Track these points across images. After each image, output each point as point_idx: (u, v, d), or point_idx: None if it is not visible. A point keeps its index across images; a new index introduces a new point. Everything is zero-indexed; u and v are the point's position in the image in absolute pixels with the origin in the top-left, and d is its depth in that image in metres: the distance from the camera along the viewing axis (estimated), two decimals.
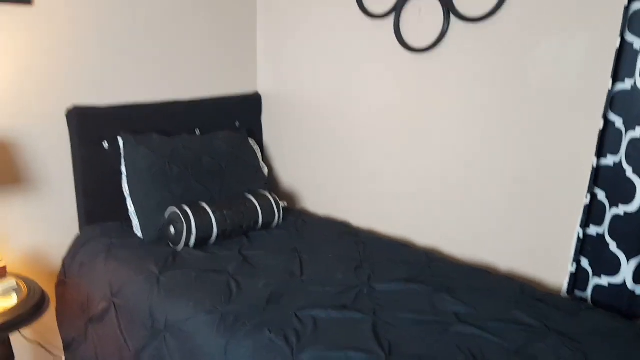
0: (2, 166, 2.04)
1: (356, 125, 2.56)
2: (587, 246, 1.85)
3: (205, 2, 2.62)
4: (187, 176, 2.31)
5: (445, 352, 1.47)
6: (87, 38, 2.23)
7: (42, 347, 2.26)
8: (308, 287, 1.84)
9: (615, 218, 1.75)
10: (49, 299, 1.90)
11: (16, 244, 2.15)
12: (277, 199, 2.45)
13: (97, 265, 2.07)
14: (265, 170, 2.72)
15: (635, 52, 1.66)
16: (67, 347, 2.22)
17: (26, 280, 1.94)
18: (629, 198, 1.70)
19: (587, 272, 1.86)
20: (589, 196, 1.81)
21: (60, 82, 2.18)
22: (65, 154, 2.24)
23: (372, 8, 2.36)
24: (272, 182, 2.90)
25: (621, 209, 1.72)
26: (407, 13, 2.26)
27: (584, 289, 1.87)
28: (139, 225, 2.22)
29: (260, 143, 2.93)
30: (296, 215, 2.63)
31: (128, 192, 2.24)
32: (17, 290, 1.86)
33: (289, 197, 2.91)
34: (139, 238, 2.22)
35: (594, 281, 1.83)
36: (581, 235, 1.84)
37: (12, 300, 1.81)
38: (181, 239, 2.12)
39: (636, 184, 1.68)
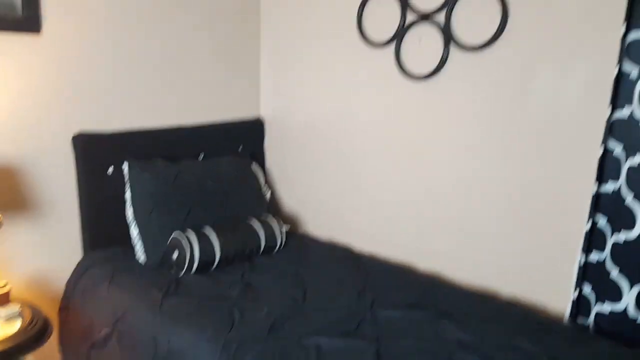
0: (8, 192, 2.06)
1: (358, 150, 2.59)
2: (589, 273, 1.86)
3: (209, 29, 2.67)
4: (190, 201, 2.32)
5: None
6: (93, 65, 2.26)
7: None
8: (311, 314, 1.84)
9: (617, 245, 1.76)
10: (51, 325, 1.91)
11: (20, 268, 2.15)
12: (280, 223, 2.47)
13: (100, 291, 2.07)
14: (268, 194, 2.73)
15: (632, 81, 1.69)
16: None
17: (29, 306, 1.94)
18: (629, 225, 1.71)
19: (589, 299, 1.86)
20: (590, 222, 1.82)
21: (66, 108, 2.21)
22: (70, 179, 2.26)
23: (373, 37, 2.41)
24: (274, 206, 2.92)
25: (622, 236, 1.74)
26: (407, 41, 2.30)
27: (587, 315, 1.87)
28: (142, 251, 2.23)
29: (262, 167, 2.95)
30: (298, 239, 2.64)
31: (132, 218, 2.26)
32: (21, 316, 1.87)
33: (291, 221, 2.92)
34: (142, 263, 2.23)
35: (596, 308, 1.83)
36: (583, 262, 1.85)
37: (16, 327, 1.82)
38: (184, 264, 2.12)
39: (636, 211, 1.69)
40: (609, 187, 1.78)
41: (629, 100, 1.69)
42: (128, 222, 2.27)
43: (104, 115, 2.33)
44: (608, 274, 1.78)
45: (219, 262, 2.21)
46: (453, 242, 2.29)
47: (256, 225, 2.37)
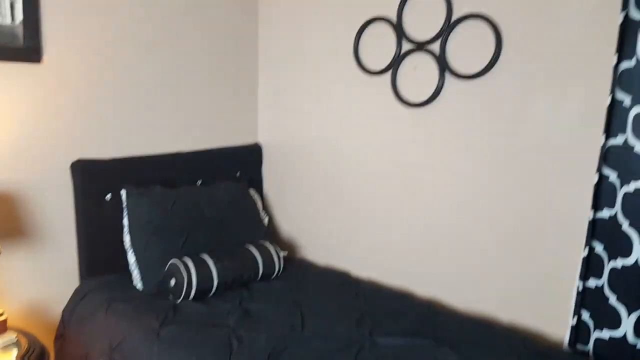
0: (5, 219, 2.06)
1: (355, 175, 2.60)
2: (587, 299, 1.86)
3: (207, 57, 2.70)
4: (188, 228, 2.33)
5: None
6: (92, 94, 2.28)
7: None
8: (309, 342, 1.83)
9: (614, 271, 1.77)
10: (48, 354, 1.89)
11: (16, 296, 2.14)
12: (278, 249, 2.47)
13: (97, 319, 2.06)
14: (266, 220, 2.74)
15: (626, 109, 1.71)
16: None
17: (26, 335, 1.93)
18: (626, 251, 1.72)
19: (588, 325, 1.86)
20: (587, 249, 1.83)
21: (65, 136, 2.22)
22: (68, 206, 2.26)
23: (370, 65, 2.44)
24: (272, 231, 2.92)
25: (619, 262, 1.74)
26: (403, 69, 2.34)
27: (586, 342, 1.87)
28: (139, 278, 2.23)
29: (260, 192, 2.96)
30: (296, 265, 2.64)
31: (129, 244, 2.26)
32: (17, 344, 1.85)
33: (289, 246, 2.92)
34: (139, 290, 2.22)
35: (595, 334, 1.83)
36: (581, 288, 1.86)
37: (12, 356, 1.80)
38: (181, 291, 2.12)
39: (633, 237, 1.70)
40: (605, 213, 1.79)
41: (623, 129, 1.71)
42: (125, 249, 2.27)
43: (102, 142, 2.34)
44: (606, 300, 1.79)
45: (216, 289, 2.20)
46: (451, 268, 2.29)
47: (254, 251, 2.37)
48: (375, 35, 2.41)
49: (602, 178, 1.79)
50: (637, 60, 1.65)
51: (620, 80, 1.72)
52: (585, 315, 1.87)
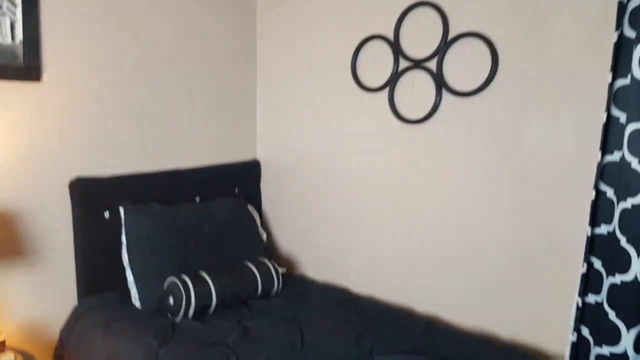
0: (3, 237, 2.05)
1: (354, 191, 2.61)
2: (586, 315, 1.85)
3: (204, 73, 2.72)
4: (186, 245, 2.32)
5: None
6: (91, 112, 2.29)
7: None
8: None
9: (613, 287, 1.76)
10: None
11: (14, 315, 2.13)
12: (276, 266, 2.46)
13: (95, 338, 2.04)
14: (264, 236, 2.74)
15: (622, 126, 1.72)
16: None
17: (24, 354, 1.92)
18: (624, 267, 1.72)
19: (588, 342, 1.85)
20: (585, 265, 1.84)
21: (64, 154, 2.23)
22: (67, 224, 2.26)
23: (367, 82, 2.47)
24: (270, 248, 2.92)
25: (618, 278, 1.74)
26: (400, 87, 2.36)
27: (586, 358, 1.86)
28: (137, 296, 2.22)
29: (259, 209, 2.96)
30: (295, 281, 2.63)
31: (127, 262, 2.25)
32: None
33: (287, 263, 2.92)
34: (137, 309, 2.21)
35: (595, 351, 1.83)
36: (580, 304, 1.85)
37: None
38: (180, 309, 2.11)
39: (631, 253, 1.70)
40: (603, 229, 1.80)
41: (619, 145, 1.72)
42: (124, 266, 2.27)
43: (101, 160, 2.35)
44: (606, 316, 1.78)
45: (215, 307, 2.19)
46: (451, 285, 2.29)
47: (253, 268, 2.37)
48: (372, 52, 2.44)
49: (600, 194, 1.80)
50: (632, 77, 1.66)
51: (615, 97, 1.73)
52: (585, 332, 1.86)
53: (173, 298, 2.12)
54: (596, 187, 1.79)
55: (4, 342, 1.88)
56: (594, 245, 1.82)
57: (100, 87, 2.31)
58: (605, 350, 1.79)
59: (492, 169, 2.12)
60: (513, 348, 2.02)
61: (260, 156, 3.04)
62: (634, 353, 1.72)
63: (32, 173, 2.14)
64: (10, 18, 1.99)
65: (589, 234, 1.82)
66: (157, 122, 2.55)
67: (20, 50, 2.03)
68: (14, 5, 1.99)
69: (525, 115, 2.02)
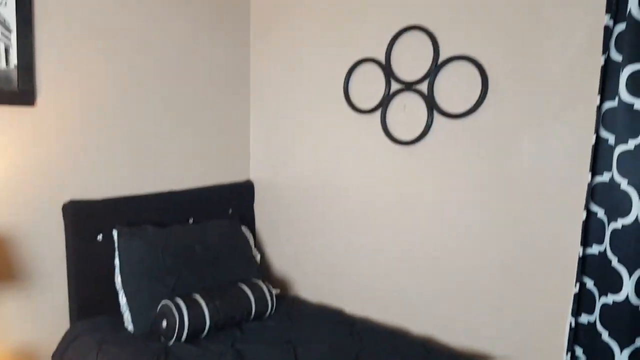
0: None
1: (347, 212, 2.62)
2: (580, 335, 1.86)
3: (198, 94, 2.74)
4: (180, 267, 2.32)
5: None
6: (85, 135, 2.30)
7: None
8: None
9: (605, 307, 1.78)
10: None
11: (5, 339, 2.10)
12: (270, 287, 2.45)
13: None
14: (258, 257, 2.73)
15: (611, 147, 1.75)
16: None
17: None
18: (616, 287, 1.74)
19: None
20: (578, 285, 1.85)
21: (58, 177, 2.23)
22: (59, 247, 2.25)
23: (360, 104, 2.49)
24: (264, 269, 2.91)
25: (610, 298, 1.76)
26: (392, 108, 2.38)
27: None
28: (130, 319, 2.20)
29: (252, 229, 2.96)
30: (289, 302, 2.62)
31: (120, 285, 2.24)
32: None
33: (281, 284, 2.91)
34: (130, 332, 2.19)
35: None
36: (573, 324, 1.86)
37: None
38: (173, 333, 2.09)
39: (622, 273, 1.72)
40: (595, 249, 1.82)
41: (608, 166, 1.75)
42: (116, 290, 2.25)
43: (95, 182, 2.35)
44: (599, 336, 1.79)
45: (209, 330, 2.18)
46: (445, 305, 2.29)
47: (246, 290, 2.36)
48: (364, 75, 2.47)
49: (590, 214, 1.82)
50: (620, 100, 1.70)
51: (604, 119, 1.77)
52: (579, 351, 1.87)
53: (166, 321, 2.10)
54: (587, 208, 1.82)
55: None
56: (586, 265, 1.84)
57: (93, 110, 2.32)
58: None
59: (484, 190, 2.14)
60: None
61: (253, 177, 3.04)
62: None
63: (25, 197, 2.14)
64: (5, 43, 2.01)
65: (581, 253, 1.84)
66: (150, 143, 2.56)
67: (14, 75, 2.04)
68: (9, 30, 2.01)
69: (515, 138, 2.04)
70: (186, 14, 2.64)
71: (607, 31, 1.73)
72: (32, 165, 2.15)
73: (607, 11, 1.73)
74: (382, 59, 2.38)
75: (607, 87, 1.74)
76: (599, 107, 1.76)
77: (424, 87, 2.26)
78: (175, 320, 2.09)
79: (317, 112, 2.69)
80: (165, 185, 2.62)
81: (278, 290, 2.53)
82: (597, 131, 1.78)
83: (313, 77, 2.68)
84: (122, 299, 2.23)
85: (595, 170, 1.79)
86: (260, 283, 2.45)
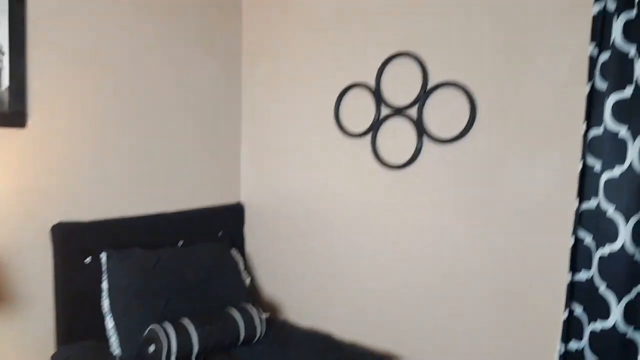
0: None
1: (338, 236, 2.62)
2: None
3: (189, 117, 2.75)
4: (168, 291, 2.30)
5: None
6: (75, 157, 2.30)
7: None
8: None
9: (594, 334, 1.78)
10: None
11: None
12: (259, 311, 2.43)
13: None
14: (247, 281, 2.71)
15: (597, 174, 1.78)
16: None
17: None
18: (604, 314, 1.74)
19: None
20: (567, 311, 1.85)
21: (47, 199, 2.22)
22: (46, 270, 2.22)
23: (350, 128, 2.51)
24: (254, 292, 2.89)
25: (599, 325, 1.76)
26: (382, 133, 2.40)
27: None
28: (117, 344, 2.17)
29: (242, 252, 2.95)
30: (278, 327, 2.60)
31: (108, 309, 2.21)
32: None
33: (271, 307, 2.89)
34: (117, 357, 2.16)
35: None
36: (563, 351, 1.86)
37: None
38: (161, 358, 2.06)
39: (610, 300, 1.72)
40: (583, 276, 1.82)
41: (595, 193, 1.77)
42: (103, 313, 2.23)
43: (84, 204, 2.34)
44: None
45: (197, 355, 2.15)
46: (433, 329, 2.29)
47: (235, 314, 2.34)
48: (355, 99, 2.49)
49: (578, 241, 1.83)
50: (605, 128, 1.72)
51: (590, 146, 1.79)
52: None
53: (154, 346, 2.08)
54: (575, 234, 1.83)
55: None
56: (574, 291, 1.85)
57: (84, 133, 2.32)
58: None
59: (473, 215, 2.15)
60: None
61: (244, 199, 3.04)
62: None
63: (14, 219, 2.12)
64: None
65: (569, 279, 1.84)
66: (141, 166, 2.56)
67: (6, 97, 2.05)
68: (1, 53, 2.02)
69: (503, 162, 2.06)
70: (178, 40, 2.66)
71: (592, 60, 1.77)
72: (21, 186, 2.14)
73: (591, 40, 1.76)
74: (372, 84, 2.41)
75: (592, 115, 1.77)
76: (585, 134, 1.79)
77: (413, 112, 2.29)
78: (163, 346, 2.06)
79: (307, 135, 2.70)
80: (155, 208, 2.61)
81: (267, 315, 2.51)
82: (583, 158, 1.80)
83: (304, 101, 2.71)
84: (109, 323, 2.20)
85: (582, 196, 1.81)
86: (250, 307, 2.43)
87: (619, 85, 1.68)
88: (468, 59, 2.13)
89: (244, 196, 3.04)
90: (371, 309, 2.50)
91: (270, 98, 2.86)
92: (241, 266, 2.72)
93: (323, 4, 2.58)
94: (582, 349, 1.82)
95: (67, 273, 2.23)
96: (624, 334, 1.70)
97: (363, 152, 2.46)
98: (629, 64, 1.66)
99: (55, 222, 2.23)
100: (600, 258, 1.75)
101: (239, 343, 2.32)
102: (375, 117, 2.41)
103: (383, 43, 2.36)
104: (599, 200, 1.76)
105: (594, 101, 1.77)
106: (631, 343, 1.71)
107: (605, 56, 1.74)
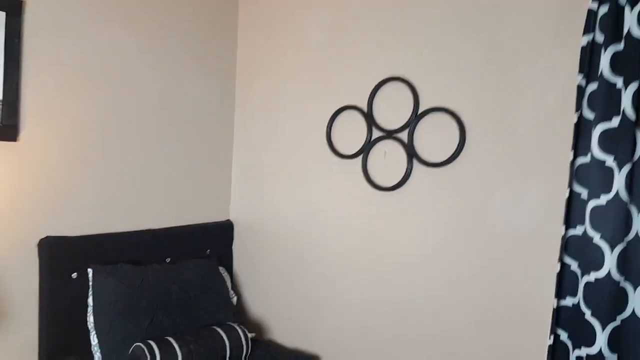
0: None
1: (326, 256, 2.62)
2: None
3: (180, 134, 2.76)
4: (154, 308, 2.28)
5: None
6: (65, 172, 2.29)
7: None
8: None
9: (579, 359, 1.79)
10: None
11: None
12: (246, 331, 2.42)
13: None
14: (235, 299, 2.70)
15: (584, 201, 1.80)
16: None
17: None
18: (590, 340, 1.75)
19: None
20: (552, 337, 1.86)
21: (35, 213, 2.20)
22: (31, 286, 2.19)
23: (342, 149, 2.53)
24: (240, 311, 2.87)
25: (584, 351, 1.77)
26: (373, 155, 2.43)
27: None
28: None
29: (230, 270, 2.94)
30: (264, 347, 2.58)
31: (92, 326, 2.19)
32: None
33: (257, 327, 2.87)
34: None
35: None
36: None
37: None
38: None
39: (595, 326, 1.74)
40: (568, 302, 1.84)
41: (582, 220, 1.80)
42: (89, 329, 2.20)
43: (72, 219, 2.32)
44: None
45: None
46: (422, 353, 2.28)
47: (222, 333, 2.33)
48: (347, 121, 2.51)
49: (564, 267, 1.85)
50: (592, 156, 1.75)
51: (577, 174, 1.82)
52: None
53: None
54: (561, 260, 1.85)
55: None
56: (560, 317, 1.86)
57: (75, 148, 2.32)
58: None
59: (460, 239, 2.17)
60: None
61: (233, 217, 3.04)
62: None
63: (1, 232, 2.10)
64: None
65: (555, 305, 1.86)
66: (131, 181, 2.55)
67: None
68: None
69: (492, 188, 2.09)
70: (172, 57, 2.68)
71: (580, 90, 1.80)
72: (10, 200, 2.12)
73: (580, 71, 1.80)
74: (364, 106, 2.44)
75: (580, 144, 1.80)
76: (572, 162, 1.82)
77: (404, 135, 2.31)
78: None
79: (299, 155, 2.72)
80: (144, 224, 2.60)
81: (254, 334, 2.49)
82: (570, 186, 1.83)
83: (296, 121, 2.73)
84: (94, 340, 2.18)
85: (568, 223, 1.83)
86: (236, 327, 2.41)
87: (606, 116, 1.71)
88: (459, 86, 2.17)
89: (234, 214, 3.04)
90: (357, 330, 2.49)
91: (263, 117, 2.88)
92: (228, 284, 2.71)
93: (317, 27, 2.62)
94: None
95: (53, 288, 2.20)
96: None
97: (354, 173, 2.48)
98: (616, 95, 1.69)
99: (42, 236, 2.21)
100: (586, 284, 1.76)
101: None
102: (366, 139, 2.44)
103: (375, 67, 2.40)
104: (585, 228, 1.78)
105: (581, 130, 1.80)
106: None
107: (593, 87, 1.78)
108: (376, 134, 2.42)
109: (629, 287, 1.71)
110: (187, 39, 2.75)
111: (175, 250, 2.67)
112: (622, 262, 1.70)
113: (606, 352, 1.71)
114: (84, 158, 2.36)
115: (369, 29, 2.43)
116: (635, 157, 1.69)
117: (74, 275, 2.26)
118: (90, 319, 2.20)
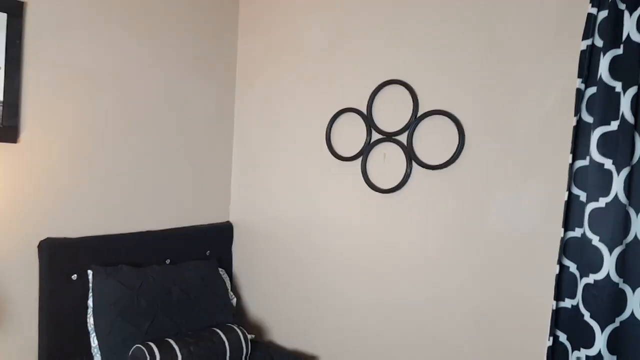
0: None
1: (326, 258, 2.62)
2: None
3: (180, 136, 2.76)
4: (155, 309, 2.28)
5: None
6: (65, 173, 2.29)
7: None
8: None
9: None
10: None
11: None
12: (245, 332, 2.43)
13: None
14: (234, 301, 2.71)
15: (582, 204, 1.81)
16: None
17: None
18: (589, 342, 1.76)
19: None
20: (551, 338, 1.87)
21: (35, 214, 2.20)
22: (32, 287, 2.20)
23: (341, 151, 2.54)
24: (240, 312, 2.88)
25: (583, 353, 1.78)
26: (373, 157, 2.44)
27: None
28: None
29: (229, 272, 2.94)
30: (264, 349, 2.59)
31: (92, 327, 2.20)
32: None
33: (257, 328, 2.88)
34: None
35: None
36: None
37: None
38: None
39: (594, 328, 1.75)
40: (567, 303, 1.85)
41: (580, 223, 1.81)
42: (88, 331, 2.20)
43: (73, 221, 2.32)
44: None
45: None
46: (420, 354, 2.29)
47: (221, 335, 2.33)
48: (346, 124, 2.52)
49: (563, 269, 1.86)
50: (591, 159, 1.76)
51: (575, 177, 1.83)
52: None
53: None
54: (560, 262, 1.86)
55: None
56: (559, 318, 1.87)
57: (75, 149, 2.32)
58: None
59: (459, 241, 2.18)
60: None
61: (233, 219, 3.04)
62: None
63: (1, 233, 2.10)
64: None
65: (554, 307, 1.87)
66: (132, 183, 2.55)
67: None
68: None
69: (491, 190, 2.10)
70: (173, 60, 2.69)
71: (579, 94, 1.81)
72: (10, 201, 2.12)
73: (579, 76, 1.81)
74: (363, 109, 2.45)
75: (578, 147, 1.81)
76: (571, 165, 1.83)
77: (403, 138, 2.32)
78: None
79: (299, 157, 2.73)
80: (144, 225, 2.60)
81: (253, 336, 2.50)
82: (569, 188, 1.83)
83: (296, 123, 2.74)
84: (94, 342, 2.18)
85: (567, 225, 1.84)
86: (236, 328, 2.42)
87: (605, 120, 1.72)
88: (458, 89, 2.17)
89: (234, 216, 3.05)
90: (357, 331, 2.50)
91: (263, 119, 2.89)
92: (228, 286, 2.71)
93: (317, 30, 2.63)
94: None
95: (53, 289, 2.21)
96: None
97: (353, 175, 2.49)
98: (615, 99, 1.71)
99: (43, 237, 2.22)
100: (585, 286, 1.77)
101: None
102: (366, 141, 2.45)
103: (375, 70, 2.41)
104: (584, 230, 1.79)
105: (580, 133, 1.81)
106: None
107: (592, 90, 1.79)
108: (375, 136, 2.43)
109: (627, 289, 1.72)
110: (188, 41, 2.76)
111: (175, 252, 2.67)
112: (621, 264, 1.71)
113: (605, 353, 1.72)
114: (84, 159, 2.36)
115: (368, 33, 2.44)
116: (634, 160, 1.70)
117: (74, 276, 2.26)
118: (91, 320, 2.21)
